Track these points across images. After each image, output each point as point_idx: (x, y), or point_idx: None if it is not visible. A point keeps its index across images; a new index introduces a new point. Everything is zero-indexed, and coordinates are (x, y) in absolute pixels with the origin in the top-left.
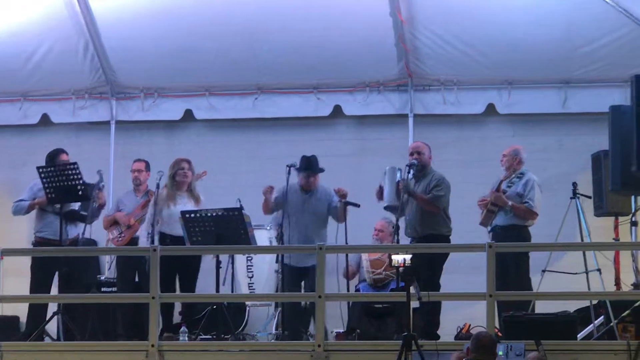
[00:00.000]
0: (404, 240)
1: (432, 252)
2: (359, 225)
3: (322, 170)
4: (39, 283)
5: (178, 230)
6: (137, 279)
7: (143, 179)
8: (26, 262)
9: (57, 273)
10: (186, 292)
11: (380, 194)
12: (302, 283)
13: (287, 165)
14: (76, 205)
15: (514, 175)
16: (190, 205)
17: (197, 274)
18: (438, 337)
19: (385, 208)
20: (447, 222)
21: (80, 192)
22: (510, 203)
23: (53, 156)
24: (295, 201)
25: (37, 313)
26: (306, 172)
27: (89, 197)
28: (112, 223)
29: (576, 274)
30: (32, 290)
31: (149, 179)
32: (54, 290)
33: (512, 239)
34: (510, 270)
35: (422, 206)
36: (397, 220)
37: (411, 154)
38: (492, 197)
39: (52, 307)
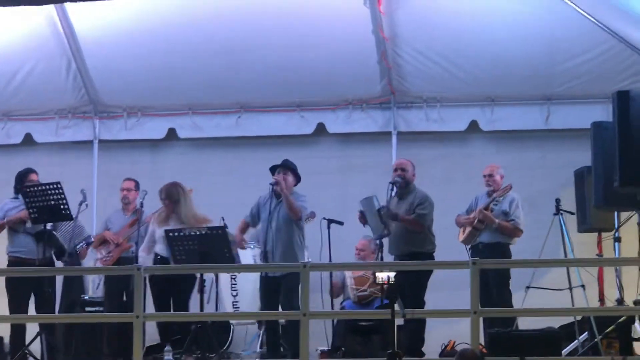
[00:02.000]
0: (388, 257)
1: (416, 270)
2: (343, 242)
3: (293, 170)
4: (17, 302)
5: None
6: (125, 299)
7: (132, 198)
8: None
9: (32, 292)
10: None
11: (362, 220)
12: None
13: (270, 184)
14: (48, 225)
15: (495, 195)
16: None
17: (189, 293)
18: (423, 355)
19: (376, 239)
20: (432, 239)
21: (63, 212)
22: (497, 221)
23: (22, 175)
24: (268, 207)
25: (18, 333)
26: (278, 168)
27: (72, 217)
28: (101, 242)
29: (560, 290)
30: (11, 311)
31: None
32: (32, 309)
33: (496, 256)
34: (491, 287)
35: (407, 226)
36: (381, 239)
37: (395, 170)
38: (480, 215)
39: (33, 327)
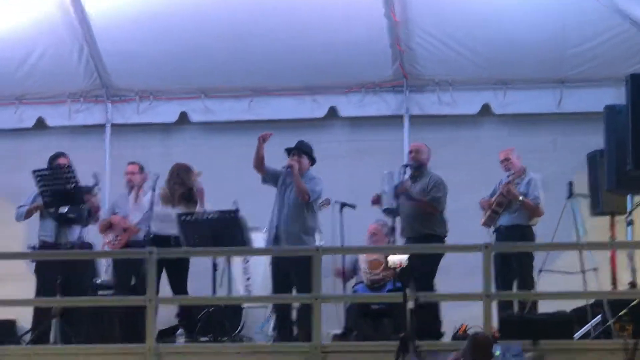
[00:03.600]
0: (400, 241)
1: (428, 253)
2: (355, 226)
3: (308, 154)
4: (43, 286)
5: (166, 230)
6: (133, 282)
7: (136, 181)
8: (23, 265)
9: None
10: (177, 292)
11: (376, 201)
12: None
13: (283, 167)
14: (64, 209)
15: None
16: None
17: (186, 273)
18: (442, 335)
19: (384, 211)
20: (444, 223)
21: (75, 196)
22: (520, 197)
23: (52, 159)
24: (281, 186)
25: (42, 316)
26: (292, 151)
27: (84, 200)
28: (108, 227)
29: (573, 273)
30: (36, 294)
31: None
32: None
33: (517, 238)
34: (514, 270)
35: (421, 207)
36: (393, 221)
37: (410, 152)
38: (504, 189)
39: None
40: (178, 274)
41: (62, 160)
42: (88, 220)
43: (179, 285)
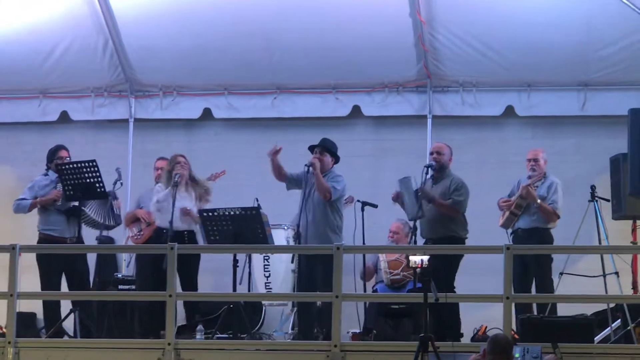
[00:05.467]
0: (421, 241)
1: (449, 254)
2: (377, 225)
3: (331, 152)
4: (48, 280)
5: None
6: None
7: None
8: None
9: (64, 270)
10: (186, 288)
11: (397, 199)
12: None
13: (306, 165)
14: (76, 203)
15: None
16: (188, 201)
17: (196, 269)
18: (462, 335)
19: (410, 219)
20: (465, 224)
21: (98, 190)
22: (538, 200)
23: (52, 152)
24: (307, 182)
25: (52, 310)
26: (316, 148)
27: (107, 195)
28: (133, 220)
29: (594, 277)
30: (43, 287)
31: None
32: (64, 286)
33: (535, 241)
34: (532, 272)
35: (443, 211)
36: (415, 222)
37: (431, 153)
38: (523, 191)
39: (67, 304)
40: (188, 269)
41: (63, 153)
42: (114, 222)
43: (189, 281)
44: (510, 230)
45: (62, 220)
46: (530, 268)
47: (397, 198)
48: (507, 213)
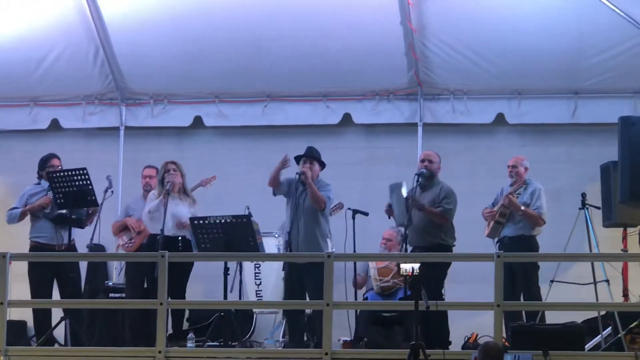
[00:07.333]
0: (409, 249)
1: (438, 262)
2: (367, 233)
3: (317, 159)
4: (38, 288)
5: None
6: (146, 285)
7: (154, 185)
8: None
9: (55, 278)
10: (175, 296)
11: (389, 211)
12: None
13: (297, 173)
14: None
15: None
16: (182, 207)
17: (186, 277)
18: (450, 344)
19: (398, 226)
20: (452, 232)
21: (89, 198)
22: (522, 207)
23: (44, 161)
24: (294, 195)
25: (41, 318)
26: (303, 158)
27: (97, 203)
28: (122, 229)
29: (584, 284)
30: (32, 296)
31: None
32: (56, 294)
33: (522, 249)
34: (519, 280)
35: (432, 218)
36: (406, 229)
37: (422, 161)
38: (505, 200)
39: (58, 312)
40: (178, 277)
41: (54, 162)
42: (85, 223)
43: (178, 288)
44: (496, 239)
45: (50, 227)
46: (517, 276)
47: (390, 210)
48: (492, 223)
